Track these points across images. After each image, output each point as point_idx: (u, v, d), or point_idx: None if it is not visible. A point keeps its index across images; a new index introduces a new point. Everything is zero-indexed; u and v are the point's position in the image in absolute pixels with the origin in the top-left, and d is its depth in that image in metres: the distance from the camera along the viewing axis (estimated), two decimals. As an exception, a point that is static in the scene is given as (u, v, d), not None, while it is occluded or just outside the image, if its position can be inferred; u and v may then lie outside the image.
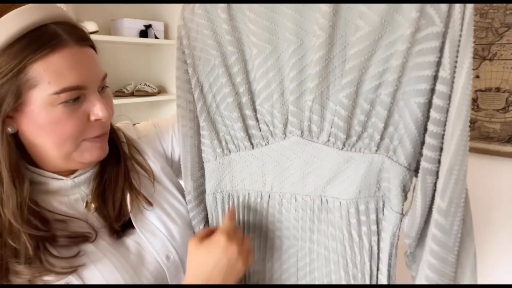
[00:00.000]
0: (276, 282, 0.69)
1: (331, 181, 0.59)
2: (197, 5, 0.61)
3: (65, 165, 0.55)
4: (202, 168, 0.68)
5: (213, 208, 0.68)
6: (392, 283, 0.59)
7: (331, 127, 0.55)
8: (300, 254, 0.66)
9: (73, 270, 0.50)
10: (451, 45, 0.43)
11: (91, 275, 0.52)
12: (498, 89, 1.04)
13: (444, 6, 0.43)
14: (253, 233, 0.68)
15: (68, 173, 0.58)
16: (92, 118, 0.52)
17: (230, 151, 0.65)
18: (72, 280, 0.50)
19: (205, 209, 0.69)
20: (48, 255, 0.50)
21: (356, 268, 0.61)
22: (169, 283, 0.60)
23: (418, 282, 0.52)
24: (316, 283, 0.65)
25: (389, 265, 0.58)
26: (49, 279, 0.49)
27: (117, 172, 0.61)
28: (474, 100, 1.08)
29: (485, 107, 1.07)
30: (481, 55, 1.02)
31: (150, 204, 0.62)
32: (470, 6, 0.42)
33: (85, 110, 0.52)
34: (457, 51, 0.43)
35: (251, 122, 0.61)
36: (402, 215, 0.54)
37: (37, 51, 0.46)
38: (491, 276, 1.19)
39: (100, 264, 0.53)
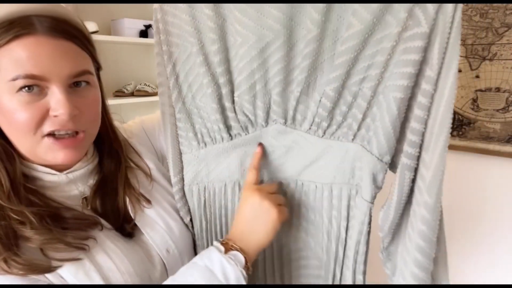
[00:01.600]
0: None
1: (309, 166, 0.61)
2: None
3: (36, 161, 0.53)
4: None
5: (190, 201, 0.67)
6: (359, 270, 0.62)
7: (314, 117, 0.56)
8: (278, 237, 0.66)
9: (84, 246, 0.51)
10: (440, 46, 0.45)
11: (103, 260, 0.52)
12: (498, 89, 1.04)
13: (431, 9, 0.45)
14: (226, 228, 0.67)
15: (62, 168, 0.56)
16: (51, 113, 0.49)
17: (206, 144, 0.64)
18: (85, 262, 0.51)
19: None
20: (58, 226, 0.50)
21: (322, 251, 0.63)
22: (169, 276, 0.60)
23: (401, 281, 0.54)
24: (291, 264, 0.66)
25: (356, 252, 0.60)
26: (60, 248, 0.49)
27: (115, 170, 0.61)
28: (474, 100, 1.08)
29: (485, 107, 1.07)
30: (481, 55, 1.02)
31: (149, 201, 0.62)
32: (459, 8, 0.45)
33: (45, 103, 0.49)
34: (444, 52, 0.45)
35: (229, 113, 0.60)
36: (372, 204, 0.57)
37: (0, 37, 0.46)
38: (491, 276, 1.19)
39: (110, 251, 0.54)
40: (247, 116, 0.60)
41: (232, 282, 0.51)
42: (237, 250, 0.54)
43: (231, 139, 0.62)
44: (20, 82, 0.47)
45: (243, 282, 0.52)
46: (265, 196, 0.57)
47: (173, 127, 0.64)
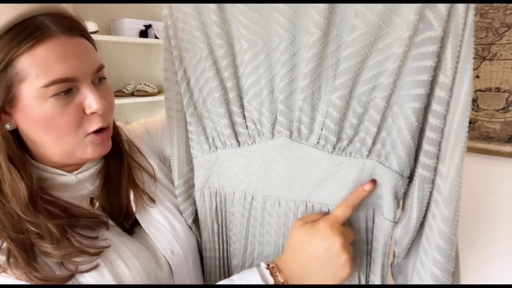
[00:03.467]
0: None
1: (319, 186, 0.57)
2: None
3: (65, 161, 0.55)
4: (190, 163, 0.67)
5: (201, 205, 0.67)
6: None
7: (322, 129, 0.53)
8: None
9: (100, 251, 0.52)
10: (453, 50, 0.42)
11: (112, 257, 0.53)
12: (498, 89, 1.04)
13: (443, 10, 0.42)
14: (235, 235, 0.66)
15: (71, 169, 0.57)
16: (87, 111, 0.50)
17: (217, 148, 0.64)
18: (100, 263, 0.51)
19: (193, 203, 0.68)
20: (78, 236, 0.51)
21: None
22: (174, 277, 0.61)
23: None
24: None
25: (382, 276, 0.56)
26: (81, 260, 0.50)
27: (120, 169, 0.61)
28: (474, 100, 1.08)
29: (485, 107, 1.07)
30: (481, 55, 1.03)
31: (153, 201, 0.63)
32: (472, 8, 0.41)
33: (79, 103, 0.50)
34: (458, 56, 0.42)
35: (238, 119, 0.59)
36: (394, 223, 0.53)
37: (21, 43, 0.45)
38: (491, 275, 1.19)
39: (118, 248, 0.55)
40: (254, 123, 0.59)
41: None
42: (279, 282, 0.51)
43: (239, 145, 0.61)
44: (55, 88, 0.47)
45: None
46: (347, 248, 0.50)
47: (179, 131, 0.65)
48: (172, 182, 0.69)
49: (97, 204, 0.59)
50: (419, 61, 0.44)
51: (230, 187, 0.65)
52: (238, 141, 0.61)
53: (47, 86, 0.47)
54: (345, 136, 0.52)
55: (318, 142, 0.54)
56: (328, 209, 0.56)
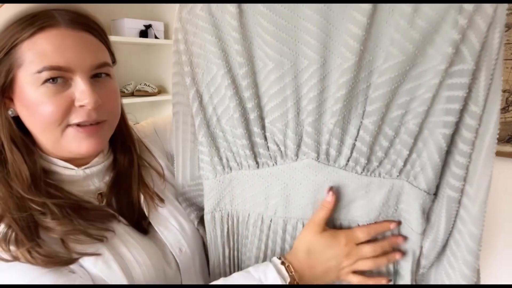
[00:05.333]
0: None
1: (347, 206, 0.58)
2: (199, 5, 0.56)
3: (59, 153, 0.55)
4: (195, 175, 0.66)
5: (211, 228, 0.65)
6: None
7: (351, 152, 0.54)
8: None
9: (105, 236, 0.53)
10: (486, 83, 0.46)
11: (121, 250, 0.54)
12: (498, 90, 1.05)
13: (477, 45, 0.45)
14: (249, 260, 0.65)
15: (80, 163, 0.58)
16: (77, 103, 0.51)
17: (231, 169, 0.62)
18: (103, 250, 0.53)
19: (198, 209, 0.69)
20: (79, 218, 0.52)
21: None
22: (182, 275, 0.62)
23: None
24: None
25: (412, 281, 0.60)
26: (81, 240, 0.51)
27: (131, 170, 0.63)
28: (475, 101, 1.09)
29: (486, 107, 1.07)
30: (482, 56, 1.03)
31: (162, 200, 0.64)
32: (503, 43, 0.45)
33: (70, 94, 0.51)
34: (489, 88, 0.46)
35: (258, 140, 0.58)
36: (422, 236, 0.56)
37: (23, 30, 0.49)
38: (491, 275, 1.20)
39: (128, 243, 0.56)
40: (277, 145, 0.58)
41: None
42: (294, 281, 0.54)
43: (257, 167, 0.60)
44: (46, 74, 0.49)
45: None
46: (355, 253, 0.55)
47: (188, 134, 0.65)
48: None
49: (104, 201, 0.60)
50: (451, 91, 0.48)
51: (245, 210, 0.63)
52: (257, 163, 0.60)
53: (39, 72, 0.49)
54: (375, 158, 0.54)
55: (347, 164, 0.55)
56: (358, 225, 0.58)
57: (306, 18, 0.50)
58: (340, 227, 0.59)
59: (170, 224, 0.63)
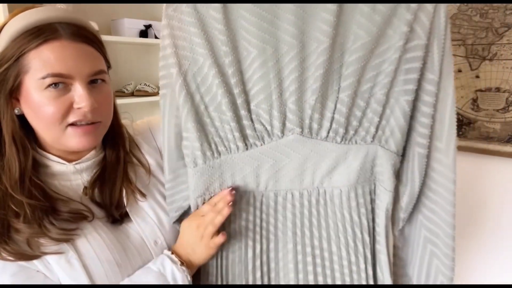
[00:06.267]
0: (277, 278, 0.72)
1: (330, 173, 0.66)
2: (184, 4, 0.61)
3: (60, 148, 0.62)
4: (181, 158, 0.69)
5: None
6: (389, 253, 0.69)
7: (331, 124, 0.62)
8: (299, 248, 0.69)
9: (68, 239, 0.59)
10: (438, 54, 0.56)
11: (85, 249, 0.60)
12: (498, 89, 1.04)
13: (427, 23, 0.56)
14: (246, 237, 0.69)
15: (71, 159, 0.64)
16: (75, 105, 0.58)
17: (220, 154, 0.66)
18: (67, 248, 0.58)
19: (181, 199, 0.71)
20: (47, 223, 0.58)
21: (356, 246, 0.68)
22: None
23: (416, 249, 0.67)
24: (319, 277, 0.70)
25: (386, 236, 0.68)
26: (44, 242, 0.57)
27: (117, 164, 0.68)
28: (474, 100, 1.08)
29: (485, 107, 1.07)
30: (481, 55, 1.03)
31: (144, 195, 0.69)
32: (448, 19, 0.56)
33: (69, 97, 0.58)
34: (442, 58, 0.56)
35: (246, 122, 0.63)
36: (393, 192, 0.65)
37: (30, 42, 0.56)
38: (491, 275, 1.19)
39: (93, 240, 0.61)
40: (263, 125, 0.64)
41: (180, 283, 0.63)
42: (181, 261, 0.65)
43: (247, 149, 0.65)
44: (49, 80, 0.56)
45: (188, 283, 0.65)
46: (203, 226, 0.65)
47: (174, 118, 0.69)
48: None
49: (89, 193, 0.65)
50: (410, 63, 0.58)
51: (236, 191, 0.68)
52: (246, 144, 0.65)
53: (43, 78, 0.56)
54: (351, 128, 0.63)
55: (327, 136, 0.63)
56: (341, 190, 0.66)
57: (284, 9, 0.58)
58: (325, 193, 0.67)
59: (148, 217, 0.68)
